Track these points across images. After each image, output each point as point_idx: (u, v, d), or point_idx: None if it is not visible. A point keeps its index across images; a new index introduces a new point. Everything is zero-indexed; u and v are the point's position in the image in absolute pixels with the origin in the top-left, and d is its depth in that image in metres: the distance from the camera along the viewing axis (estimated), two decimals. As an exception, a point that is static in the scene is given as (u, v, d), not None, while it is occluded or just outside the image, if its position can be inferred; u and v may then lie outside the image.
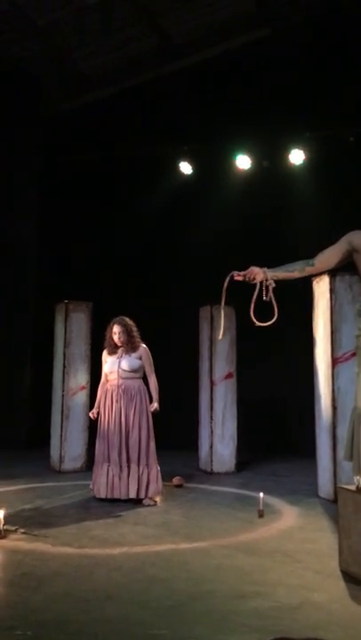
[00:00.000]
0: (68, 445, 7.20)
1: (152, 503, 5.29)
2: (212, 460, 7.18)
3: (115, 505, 5.20)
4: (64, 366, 7.32)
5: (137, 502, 5.25)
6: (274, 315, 3.47)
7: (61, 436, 7.19)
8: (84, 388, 7.38)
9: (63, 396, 7.28)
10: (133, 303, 7.07)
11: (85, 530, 4.37)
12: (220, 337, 3.90)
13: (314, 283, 5.91)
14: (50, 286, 9.04)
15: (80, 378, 7.37)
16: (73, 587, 3.18)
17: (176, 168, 8.95)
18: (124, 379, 5.49)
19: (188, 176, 8.98)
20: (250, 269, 3.49)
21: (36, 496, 5.60)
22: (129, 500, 5.25)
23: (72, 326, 7.39)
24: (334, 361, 5.54)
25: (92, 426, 7.16)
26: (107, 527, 4.47)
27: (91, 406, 7.04)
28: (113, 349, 5.59)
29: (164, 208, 9.14)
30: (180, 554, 3.78)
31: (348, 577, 3.32)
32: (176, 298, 8.86)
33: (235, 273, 3.49)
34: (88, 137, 9.59)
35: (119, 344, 5.55)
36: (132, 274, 9.50)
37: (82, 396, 7.36)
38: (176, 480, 6.14)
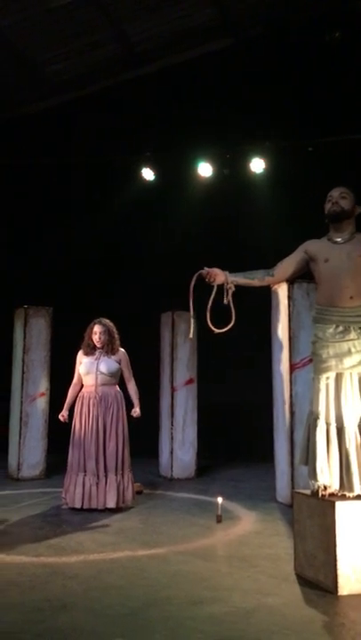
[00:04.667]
0: (26, 452, 7.09)
1: (129, 506, 5.30)
2: (172, 466, 7.19)
3: (74, 513, 5.15)
4: (23, 372, 7.21)
5: (113, 511, 5.15)
6: (231, 319, 3.52)
7: (19, 442, 7.08)
8: (43, 394, 7.28)
9: (22, 402, 7.17)
10: (94, 309, 7.02)
11: (42, 538, 4.31)
12: (191, 335, 3.90)
13: (273, 290, 6.00)
14: (9, 291, 8.91)
15: (39, 384, 7.28)
16: (27, 596, 3.13)
17: (138, 174, 8.96)
18: (101, 384, 5.38)
19: (149, 182, 9.00)
20: (212, 269, 3.54)
21: (-7, 504, 5.50)
22: (106, 510, 5.15)
23: (32, 332, 7.30)
24: (292, 367, 5.62)
25: (52, 433, 7.10)
26: (64, 535, 4.42)
27: (50, 413, 6.98)
28: (91, 350, 5.47)
29: (125, 214, 9.13)
30: (138, 561, 3.77)
31: (303, 580, 3.37)
32: (137, 303, 8.85)
33: (201, 271, 3.52)
34: (51, 141, 9.52)
35: (99, 345, 5.44)
36: (94, 279, 9.45)
37: (41, 403, 7.26)
38: (136, 486, 6.10)
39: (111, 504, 5.17)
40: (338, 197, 3.57)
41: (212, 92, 8.96)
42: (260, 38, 8.81)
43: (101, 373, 5.39)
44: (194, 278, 3.50)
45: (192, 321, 3.63)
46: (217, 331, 3.51)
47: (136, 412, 5.45)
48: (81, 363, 5.52)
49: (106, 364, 5.41)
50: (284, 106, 8.47)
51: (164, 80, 9.31)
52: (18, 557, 3.81)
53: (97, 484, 5.22)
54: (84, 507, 5.17)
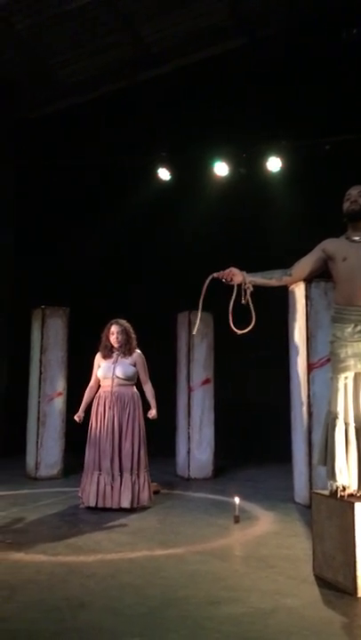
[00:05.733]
0: (44, 452, 7.13)
1: (144, 506, 5.30)
2: (189, 466, 7.18)
3: (91, 512, 5.16)
4: (40, 372, 7.25)
5: (129, 511, 5.15)
6: (251, 320, 3.50)
7: (37, 442, 7.12)
8: (60, 394, 7.32)
9: (39, 402, 7.21)
10: (111, 309, 7.06)
11: (60, 537, 4.33)
12: (194, 332, 3.89)
13: (290, 289, 5.96)
14: (26, 291, 8.98)
15: (56, 384, 7.31)
16: (46, 595, 3.14)
17: (154, 174, 8.97)
18: (118, 386, 5.41)
19: (166, 182, 9.00)
20: (230, 269, 3.52)
21: (11, 503, 5.54)
22: (120, 510, 5.15)
23: (49, 332, 7.33)
24: (310, 366, 5.58)
25: (69, 432, 7.13)
26: (82, 534, 4.44)
27: (68, 412, 7.01)
28: (108, 352, 5.49)
29: (141, 214, 9.14)
30: (155, 560, 3.77)
31: (322, 582, 3.34)
32: (153, 304, 8.86)
33: (215, 274, 3.51)
34: (65, 143, 9.57)
35: (116, 345, 5.45)
36: (110, 280, 9.48)
37: (58, 403, 7.30)
38: (153, 486, 6.10)
39: (125, 504, 5.17)
40: (356, 196, 3.54)
41: (227, 91, 8.94)
42: (274, 37, 8.76)
43: (118, 378, 5.41)
44: (208, 279, 3.49)
45: (198, 318, 3.59)
46: (239, 332, 3.49)
47: (152, 413, 5.45)
48: (99, 366, 5.54)
49: (122, 369, 5.43)
50: (300, 104, 8.42)
51: (178, 80, 9.30)
52: (36, 556, 3.84)
53: (112, 483, 5.22)
54: (99, 505, 5.19)
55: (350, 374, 3.42)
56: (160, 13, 8.49)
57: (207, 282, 3.49)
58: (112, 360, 5.47)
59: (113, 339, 5.46)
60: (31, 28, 8.47)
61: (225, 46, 9.13)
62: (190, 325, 7.29)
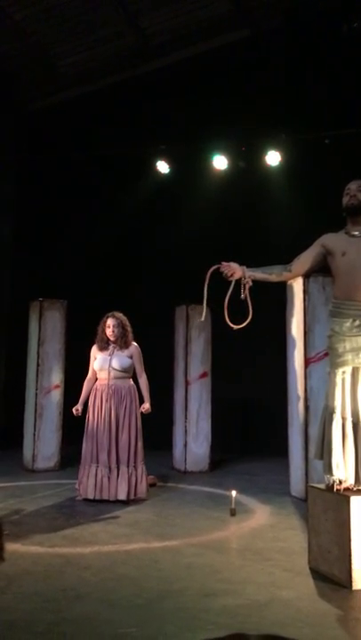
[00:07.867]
0: (41, 444, 7.14)
1: (141, 499, 5.31)
2: (185, 459, 7.19)
3: (88, 504, 5.18)
4: (38, 365, 7.26)
5: (125, 503, 5.18)
6: (248, 314, 3.50)
7: (34, 434, 7.13)
8: (57, 386, 7.32)
9: (36, 394, 7.21)
10: (108, 302, 7.07)
11: (57, 529, 4.34)
12: (203, 318, 3.87)
13: (288, 284, 5.96)
14: (24, 284, 8.97)
15: (54, 376, 7.31)
16: (42, 586, 3.16)
17: (153, 167, 8.94)
18: (114, 378, 5.42)
19: (164, 175, 8.97)
20: (230, 264, 3.52)
21: (8, 495, 5.55)
22: (117, 502, 5.18)
23: (46, 325, 7.33)
24: (307, 361, 5.59)
25: (66, 425, 7.14)
26: (78, 526, 4.45)
27: (65, 405, 7.03)
28: (105, 345, 5.50)
29: (139, 207, 9.12)
30: (151, 552, 3.78)
31: (317, 575, 3.36)
32: (151, 297, 8.85)
33: (219, 265, 3.50)
34: (64, 135, 9.53)
35: (112, 339, 5.46)
36: (108, 273, 9.46)
37: (55, 395, 7.30)
38: (149, 479, 6.11)
39: (122, 496, 5.20)
40: (356, 190, 3.54)
41: (227, 84, 8.90)
42: (276, 29, 8.72)
43: (114, 370, 5.42)
44: (211, 269, 3.49)
45: (204, 304, 3.56)
46: (236, 327, 3.49)
47: (145, 407, 5.45)
48: (95, 358, 5.55)
49: (118, 361, 5.43)
50: (299, 98, 8.39)
51: (178, 72, 9.26)
52: (33, 547, 3.85)
53: (108, 475, 5.25)
54: (96, 497, 5.21)
55: (348, 369, 3.43)
56: (160, 5, 8.45)
57: (211, 270, 3.49)
58: (108, 352, 5.48)
59: (109, 332, 5.47)
60: (30, 18, 8.41)
61: (225, 39, 9.08)
62: (189, 320, 7.30)
